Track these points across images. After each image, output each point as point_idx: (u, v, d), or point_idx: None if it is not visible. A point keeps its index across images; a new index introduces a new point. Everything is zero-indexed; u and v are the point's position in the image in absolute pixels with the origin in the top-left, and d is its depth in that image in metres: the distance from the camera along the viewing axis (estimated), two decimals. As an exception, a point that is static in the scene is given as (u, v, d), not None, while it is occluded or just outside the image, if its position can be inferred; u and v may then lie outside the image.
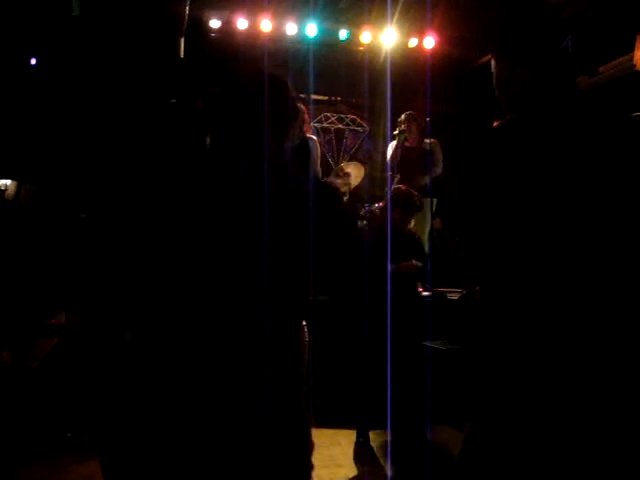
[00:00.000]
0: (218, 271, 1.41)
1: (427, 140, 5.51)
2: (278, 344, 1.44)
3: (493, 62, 1.44)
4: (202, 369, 1.40)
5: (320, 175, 5.57)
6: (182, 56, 1.77)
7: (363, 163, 6.38)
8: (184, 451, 1.38)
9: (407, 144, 5.45)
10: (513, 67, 1.37)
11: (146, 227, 1.47)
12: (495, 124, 1.40)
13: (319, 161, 5.66)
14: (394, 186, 4.35)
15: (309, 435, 1.60)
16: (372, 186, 6.26)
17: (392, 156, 5.43)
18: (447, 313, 4.43)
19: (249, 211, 1.44)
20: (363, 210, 5.69)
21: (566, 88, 1.31)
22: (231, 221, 1.44)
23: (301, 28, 6.26)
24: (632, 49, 4.41)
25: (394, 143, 5.49)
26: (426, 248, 4.95)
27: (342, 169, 5.95)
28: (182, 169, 1.46)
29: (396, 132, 5.39)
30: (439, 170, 5.50)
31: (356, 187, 5.94)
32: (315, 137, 5.58)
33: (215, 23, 6.12)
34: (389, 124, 5.47)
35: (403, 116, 5.43)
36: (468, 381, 3.84)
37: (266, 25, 6.16)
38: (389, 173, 5.36)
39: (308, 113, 5.53)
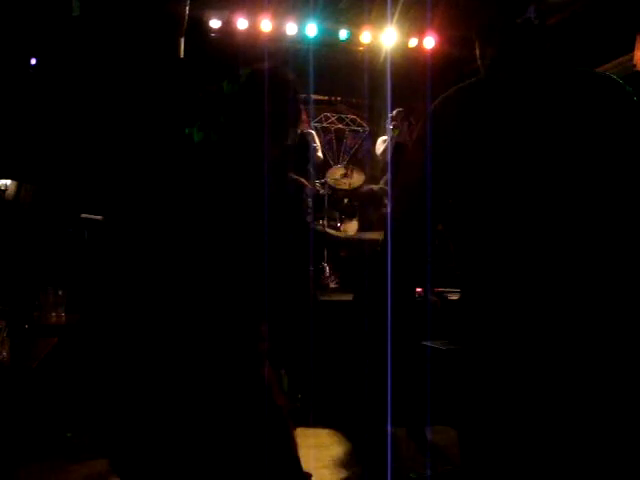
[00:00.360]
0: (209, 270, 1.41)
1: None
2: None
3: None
4: (186, 367, 1.39)
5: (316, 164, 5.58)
6: (182, 56, 1.77)
7: (363, 164, 6.39)
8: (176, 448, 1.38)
9: (399, 141, 5.43)
10: (483, 46, 1.40)
11: (144, 226, 1.47)
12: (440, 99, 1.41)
13: (320, 153, 5.65)
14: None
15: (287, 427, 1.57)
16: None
17: (383, 152, 5.41)
18: (447, 313, 4.43)
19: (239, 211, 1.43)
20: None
21: (526, 55, 1.30)
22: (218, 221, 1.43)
23: (301, 28, 6.26)
24: (632, 49, 4.41)
25: (384, 138, 5.48)
26: None
27: (343, 170, 5.97)
28: (178, 168, 1.46)
29: (391, 127, 5.37)
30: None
31: (356, 187, 5.97)
32: (312, 131, 5.58)
33: (215, 23, 6.12)
34: (388, 123, 5.47)
35: (395, 112, 5.42)
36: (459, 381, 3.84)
37: (266, 25, 6.17)
38: (389, 173, 5.37)
39: (306, 112, 5.53)
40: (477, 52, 1.43)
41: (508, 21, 1.33)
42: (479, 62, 1.43)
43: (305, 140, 5.26)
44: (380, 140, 5.59)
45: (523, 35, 1.31)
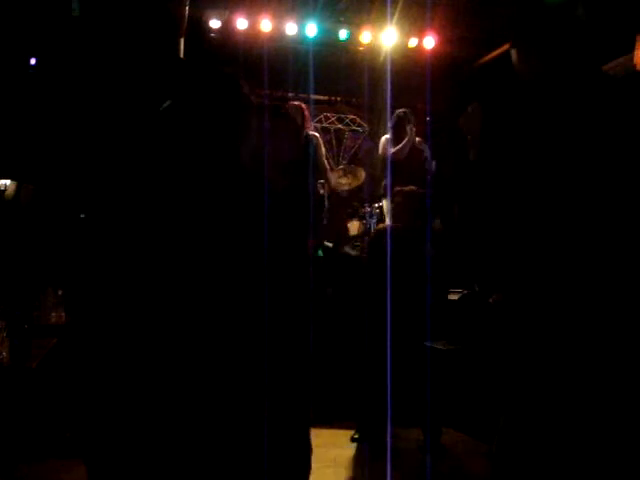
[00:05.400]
0: (215, 268, 1.40)
1: (417, 138, 5.47)
2: (281, 345, 1.43)
3: (514, 53, 1.46)
4: (201, 371, 1.39)
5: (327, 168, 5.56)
6: (182, 56, 1.77)
7: (363, 163, 6.39)
8: (179, 455, 1.37)
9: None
10: (528, 57, 1.40)
11: (142, 226, 1.47)
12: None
13: (324, 158, 5.63)
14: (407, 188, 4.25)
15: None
16: (372, 186, 6.26)
17: (397, 153, 5.35)
18: (447, 313, 4.43)
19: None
20: (363, 210, 5.70)
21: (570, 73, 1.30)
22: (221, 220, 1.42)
23: (301, 28, 6.25)
24: (632, 49, 4.40)
25: (388, 137, 5.44)
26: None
27: (344, 169, 5.97)
28: (177, 169, 1.45)
29: (408, 128, 5.32)
30: (433, 168, 5.48)
31: (357, 188, 5.97)
32: (317, 134, 5.56)
33: (215, 23, 6.12)
34: (389, 124, 5.45)
35: (401, 113, 5.37)
36: (472, 381, 3.85)
37: (266, 25, 6.16)
38: (389, 172, 5.34)
39: (309, 110, 5.51)
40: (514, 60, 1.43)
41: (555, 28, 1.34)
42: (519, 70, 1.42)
43: (310, 143, 5.23)
44: (386, 140, 5.51)
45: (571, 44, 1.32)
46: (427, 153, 5.45)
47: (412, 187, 3.99)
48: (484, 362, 3.83)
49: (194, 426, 1.39)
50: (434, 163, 5.49)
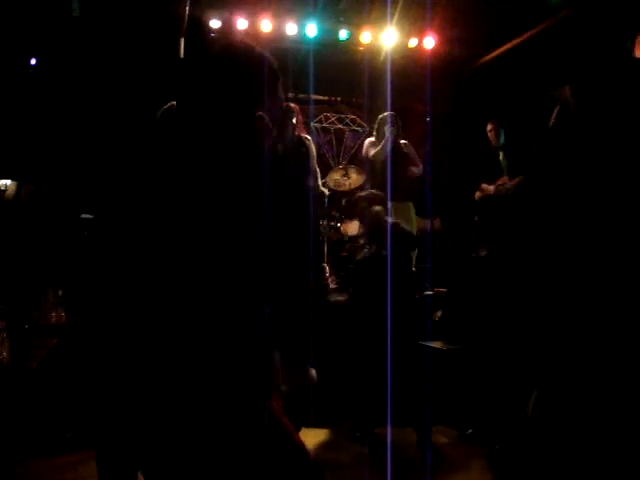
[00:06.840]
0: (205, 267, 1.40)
1: (402, 141, 5.48)
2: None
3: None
4: (204, 369, 1.39)
5: (318, 173, 5.55)
6: (182, 56, 1.77)
7: (363, 164, 6.39)
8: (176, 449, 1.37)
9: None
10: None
11: (141, 227, 1.47)
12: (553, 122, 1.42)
13: (315, 161, 5.63)
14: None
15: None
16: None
17: (377, 154, 5.37)
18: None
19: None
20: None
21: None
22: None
23: (301, 28, 6.26)
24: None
25: (371, 140, 5.48)
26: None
27: (343, 171, 5.96)
28: (176, 172, 1.45)
29: (385, 128, 5.35)
30: (419, 171, 5.50)
31: (356, 188, 5.96)
32: (310, 137, 5.56)
33: (215, 23, 6.12)
34: (389, 124, 5.45)
35: (389, 116, 5.40)
36: (471, 381, 3.86)
37: (266, 25, 6.16)
38: (389, 171, 5.35)
39: (301, 114, 5.51)
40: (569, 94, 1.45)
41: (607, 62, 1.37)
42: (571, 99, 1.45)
43: (304, 146, 5.21)
44: (369, 142, 5.56)
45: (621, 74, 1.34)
46: (412, 154, 5.48)
47: (371, 191, 4.11)
48: (484, 362, 3.83)
49: (195, 424, 1.40)
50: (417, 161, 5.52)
